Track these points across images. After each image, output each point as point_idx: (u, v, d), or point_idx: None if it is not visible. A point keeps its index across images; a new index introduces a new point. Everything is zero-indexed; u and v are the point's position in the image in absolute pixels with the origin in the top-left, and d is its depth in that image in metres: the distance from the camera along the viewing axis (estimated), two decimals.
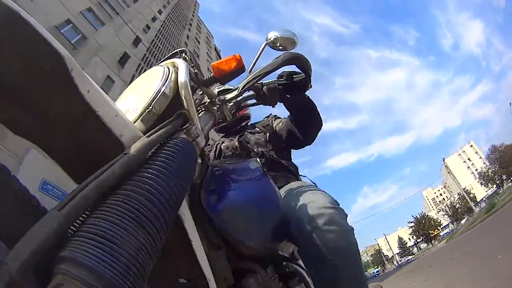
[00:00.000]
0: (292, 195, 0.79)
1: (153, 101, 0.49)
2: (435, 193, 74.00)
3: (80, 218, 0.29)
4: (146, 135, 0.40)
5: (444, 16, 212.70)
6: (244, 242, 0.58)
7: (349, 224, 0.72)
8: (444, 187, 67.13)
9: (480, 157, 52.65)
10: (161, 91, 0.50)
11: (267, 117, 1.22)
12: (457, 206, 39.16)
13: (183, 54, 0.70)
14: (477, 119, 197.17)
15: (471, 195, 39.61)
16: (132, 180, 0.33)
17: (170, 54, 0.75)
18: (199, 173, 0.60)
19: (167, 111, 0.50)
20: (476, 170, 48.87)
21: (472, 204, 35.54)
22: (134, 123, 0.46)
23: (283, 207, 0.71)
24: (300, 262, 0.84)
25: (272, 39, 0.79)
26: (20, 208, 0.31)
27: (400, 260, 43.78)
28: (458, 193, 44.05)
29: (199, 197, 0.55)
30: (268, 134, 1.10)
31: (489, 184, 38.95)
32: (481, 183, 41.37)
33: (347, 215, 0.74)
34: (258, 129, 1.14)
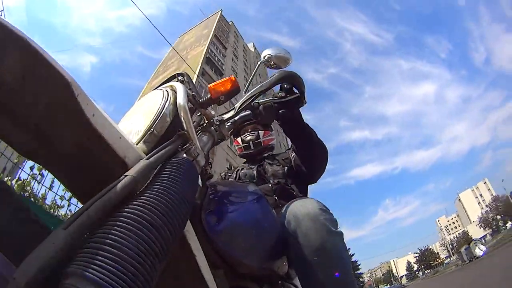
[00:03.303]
0: (285, 211, 0.80)
1: (154, 123, 0.51)
2: (448, 221, 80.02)
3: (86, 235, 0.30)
4: (149, 155, 0.42)
5: (477, 28, 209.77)
6: (242, 261, 0.60)
7: (336, 228, 0.72)
8: (458, 216, 76.19)
9: (492, 194, 59.49)
10: (161, 113, 0.52)
11: (289, 149, 1.22)
12: (455, 244, 49.89)
13: (180, 77, 0.73)
14: (506, 137, 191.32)
15: (469, 235, 49.13)
16: (137, 199, 0.34)
17: (168, 77, 0.77)
18: (199, 194, 0.61)
19: (167, 132, 0.52)
20: (487, 206, 55.11)
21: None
22: (136, 144, 0.48)
23: (280, 228, 0.73)
24: (295, 281, 0.84)
25: (266, 58, 0.82)
26: (24, 227, 0.32)
27: (406, 282, 55.95)
28: (460, 231, 58.18)
29: (200, 217, 0.56)
30: (286, 167, 1.11)
31: (487, 228, 48.01)
32: (480, 226, 50.42)
33: (336, 220, 0.74)
34: (277, 161, 1.16)
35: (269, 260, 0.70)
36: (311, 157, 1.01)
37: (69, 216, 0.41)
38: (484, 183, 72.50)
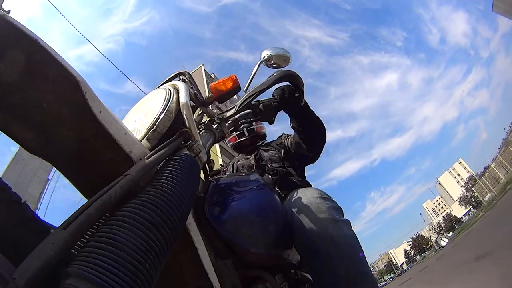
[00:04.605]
0: (290, 200, 0.79)
1: (157, 120, 0.52)
2: (433, 203, 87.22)
3: (86, 235, 0.29)
4: (150, 153, 0.43)
5: (427, 12, 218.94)
6: (249, 250, 0.59)
7: (342, 216, 0.71)
8: (441, 197, 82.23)
9: (468, 171, 65.32)
10: (164, 111, 0.53)
11: (280, 136, 1.24)
12: (443, 226, 58.28)
13: (182, 76, 0.74)
14: (474, 107, 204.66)
15: (453, 215, 58.54)
16: (141, 195, 0.34)
17: (170, 76, 0.78)
18: (202, 188, 0.62)
19: (170, 130, 0.53)
20: (465, 183, 60.62)
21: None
22: (140, 141, 0.48)
23: (285, 214, 0.72)
24: None
25: (266, 57, 0.84)
26: (24, 227, 0.32)
27: (407, 267, 63.32)
28: (444, 214, 66.11)
29: (203, 209, 0.57)
30: (282, 151, 1.12)
31: (467, 205, 54.67)
32: (461, 205, 57.34)
33: (340, 207, 0.73)
34: (272, 147, 1.17)
35: (277, 248, 0.69)
36: (314, 136, 1.01)
37: None
38: (459, 163, 76.56)
